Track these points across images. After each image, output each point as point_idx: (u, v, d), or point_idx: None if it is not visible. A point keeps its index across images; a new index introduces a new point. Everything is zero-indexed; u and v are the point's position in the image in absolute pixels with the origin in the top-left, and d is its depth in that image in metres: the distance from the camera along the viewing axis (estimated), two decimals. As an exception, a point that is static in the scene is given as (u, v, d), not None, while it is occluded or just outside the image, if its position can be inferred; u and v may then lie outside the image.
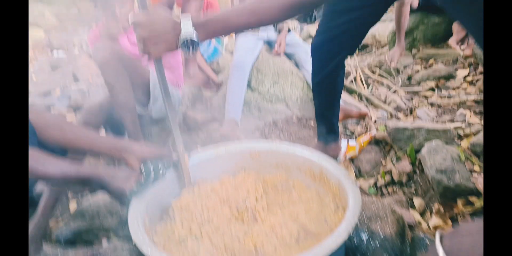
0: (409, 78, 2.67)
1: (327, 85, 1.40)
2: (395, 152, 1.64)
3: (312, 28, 4.48)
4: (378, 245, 1.00)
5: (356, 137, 1.88)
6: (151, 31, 0.78)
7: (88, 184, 0.87)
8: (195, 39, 0.80)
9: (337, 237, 0.74)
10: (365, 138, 1.74)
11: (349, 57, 1.53)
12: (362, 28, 1.31)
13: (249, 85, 2.08)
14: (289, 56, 2.31)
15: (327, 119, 1.51)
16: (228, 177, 1.07)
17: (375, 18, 1.31)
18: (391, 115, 2.12)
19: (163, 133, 1.99)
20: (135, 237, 0.75)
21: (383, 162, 1.62)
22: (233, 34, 4.30)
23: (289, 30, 2.30)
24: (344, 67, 1.41)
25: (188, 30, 0.78)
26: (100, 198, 1.35)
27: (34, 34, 5.47)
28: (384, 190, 1.48)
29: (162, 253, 0.71)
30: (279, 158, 1.14)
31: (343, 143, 1.71)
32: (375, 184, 1.52)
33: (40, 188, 1.34)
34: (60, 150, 1.01)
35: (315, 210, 0.97)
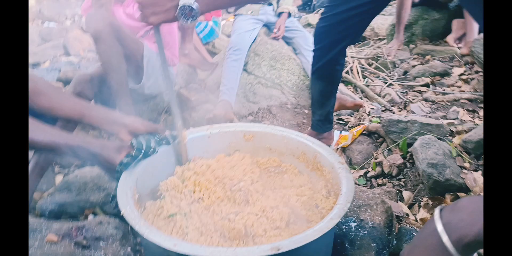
0: (405, 72, 2.67)
1: (326, 72, 1.38)
2: (387, 145, 1.65)
3: (311, 17, 4.43)
4: (366, 233, 1.00)
5: (349, 128, 1.87)
6: (155, 3, 0.81)
7: (77, 154, 0.84)
8: (194, 7, 0.80)
9: (329, 221, 0.74)
10: (358, 129, 1.74)
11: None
12: (367, 16, 1.29)
13: (245, 68, 2.05)
14: (287, 41, 2.27)
15: (323, 107, 1.50)
16: (223, 156, 1.05)
17: (381, 7, 1.28)
18: (385, 108, 2.12)
19: (155, 111, 1.95)
20: (124, 209, 0.73)
21: (375, 154, 1.63)
22: (232, 17, 4.22)
23: (289, 15, 2.25)
24: (345, 55, 1.39)
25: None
26: (87, 172, 1.32)
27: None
28: (374, 181, 1.49)
29: (150, 226, 0.69)
30: (273, 141, 1.13)
31: (336, 133, 1.70)
32: (365, 174, 1.53)
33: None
34: (50, 119, 0.97)
35: (307, 195, 0.96)
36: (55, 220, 1.17)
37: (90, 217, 1.20)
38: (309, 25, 3.98)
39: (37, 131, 0.79)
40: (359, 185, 1.46)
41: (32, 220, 1.11)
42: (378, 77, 2.62)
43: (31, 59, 3.40)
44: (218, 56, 2.65)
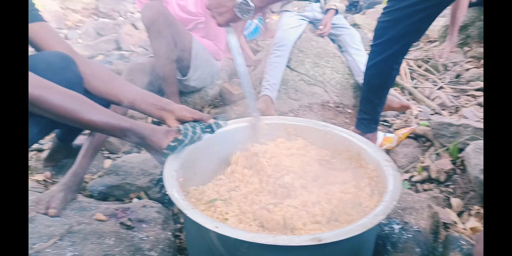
0: (458, 76, 2.51)
1: (382, 70, 1.32)
2: (436, 149, 1.56)
3: (358, 18, 4.31)
4: (410, 237, 0.96)
5: (394, 130, 1.80)
6: (218, 3, 0.93)
7: (128, 135, 0.88)
8: (249, 2, 0.87)
9: (374, 217, 0.71)
10: (404, 131, 1.66)
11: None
12: (432, 13, 1.20)
13: (288, 65, 2.03)
14: (333, 38, 2.23)
15: (371, 106, 1.44)
16: (283, 141, 1.04)
17: (447, 3, 1.20)
18: (435, 112, 2.01)
19: (198, 104, 1.99)
20: (170, 190, 0.75)
21: (421, 157, 1.55)
22: (276, 16, 4.23)
23: (337, 12, 2.20)
24: (405, 54, 1.32)
25: None
26: (133, 158, 1.38)
27: (85, 1, 5.60)
28: (419, 186, 1.42)
29: (193, 208, 0.70)
30: (315, 136, 1.10)
31: (379, 134, 1.64)
32: (410, 179, 1.46)
33: (79, 142, 1.38)
34: (103, 103, 1.03)
35: (351, 192, 0.93)
36: (102, 201, 1.24)
37: (135, 200, 1.25)
38: (355, 25, 3.87)
39: (94, 111, 0.84)
40: (403, 188, 1.39)
41: (83, 199, 1.18)
42: (427, 79, 2.49)
43: (86, 52, 3.63)
44: (261, 53, 2.66)
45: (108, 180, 1.30)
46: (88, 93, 0.98)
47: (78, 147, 1.34)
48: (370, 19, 4.08)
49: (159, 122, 1.35)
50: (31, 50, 1.00)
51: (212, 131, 1.02)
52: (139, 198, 1.27)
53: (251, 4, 0.90)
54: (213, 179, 1.00)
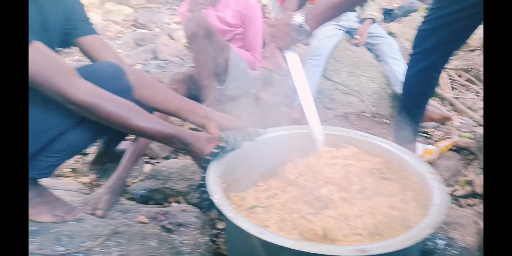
0: (503, 86, 2.39)
1: (422, 79, 1.30)
2: (480, 162, 1.49)
3: (392, 26, 4.23)
4: (456, 253, 0.91)
5: (434, 142, 1.74)
6: (278, 30, 1.03)
7: (172, 141, 0.92)
8: (303, 24, 0.98)
9: (421, 231, 0.69)
10: (446, 143, 1.60)
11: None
12: (474, 21, 1.17)
13: (323, 74, 2.03)
14: (370, 47, 2.20)
15: (410, 116, 1.41)
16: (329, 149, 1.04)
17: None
18: (478, 124, 1.92)
19: (233, 112, 2.03)
20: (214, 195, 0.77)
21: (464, 171, 1.48)
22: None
23: (373, 21, 2.18)
24: (445, 63, 1.29)
25: (299, 19, 0.99)
26: (173, 163, 1.42)
27: (125, 12, 5.91)
28: (462, 201, 1.35)
29: (236, 213, 0.72)
30: (355, 146, 1.09)
31: (418, 146, 1.59)
32: (453, 193, 1.40)
33: (122, 147, 1.45)
34: (148, 110, 1.08)
35: (398, 207, 0.90)
36: (143, 204, 1.29)
37: (174, 204, 1.29)
38: (390, 34, 3.80)
39: (143, 118, 0.88)
40: (444, 202, 1.34)
41: (125, 202, 1.24)
42: (469, 90, 2.39)
43: (126, 62, 3.80)
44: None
45: (148, 184, 1.35)
46: (135, 101, 1.03)
47: (121, 152, 1.40)
48: (405, 27, 3.99)
49: (195, 128, 1.39)
50: (86, 60, 1.07)
51: (252, 139, 1.04)
52: (178, 202, 1.31)
53: (307, 27, 0.98)
54: (252, 186, 1.01)
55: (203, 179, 0.93)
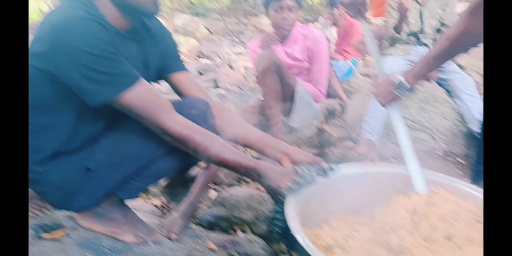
0: None
1: None
2: None
3: (461, 58, 4.04)
4: None
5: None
6: (380, 89, 1.15)
7: (250, 173, 0.95)
8: (402, 81, 1.09)
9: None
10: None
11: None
12: None
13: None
14: (441, 82, 2.12)
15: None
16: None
17: None
18: None
19: (295, 143, 2.05)
20: (294, 230, 0.77)
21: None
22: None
23: (445, 56, 2.12)
24: None
25: (398, 78, 1.09)
26: (239, 192, 1.46)
27: (191, 44, 6.40)
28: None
29: (318, 250, 0.71)
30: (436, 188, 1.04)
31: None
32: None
33: (195, 172, 1.53)
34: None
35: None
36: (210, 230, 1.32)
37: (240, 233, 1.31)
38: (459, 67, 3.64)
39: (227, 150, 0.94)
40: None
41: (194, 227, 1.29)
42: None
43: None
44: (357, 94, 2.66)
45: (216, 211, 1.39)
46: (216, 132, 1.10)
47: (192, 177, 1.48)
48: (474, 59, 3.80)
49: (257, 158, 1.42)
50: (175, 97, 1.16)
51: (326, 175, 1.04)
52: (243, 231, 1.33)
53: (406, 84, 1.08)
54: (323, 223, 1.00)
55: (276, 211, 0.94)
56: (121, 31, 0.92)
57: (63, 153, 0.93)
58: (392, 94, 1.11)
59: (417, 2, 2.22)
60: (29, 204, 1.06)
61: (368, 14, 2.70)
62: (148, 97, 0.88)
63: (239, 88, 4.20)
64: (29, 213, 1.07)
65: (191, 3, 10.41)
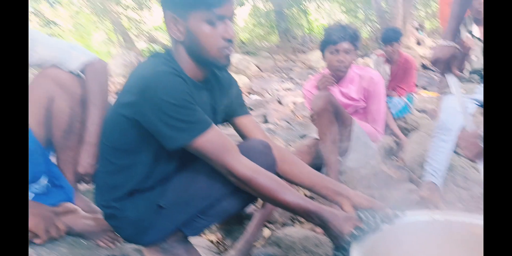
0: None
1: None
2: None
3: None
4: None
5: None
6: (466, 142, 1.25)
7: (311, 217, 0.95)
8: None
9: None
10: None
11: None
12: None
13: (456, 150, 1.88)
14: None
15: None
16: None
17: None
18: None
19: (350, 182, 2.00)
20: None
21: None
22: (434, 93, 4.14)
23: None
24: None
25: None
26: (294, 232, 1.44)
27: (242, 81, 6.71)
28: None
29: None
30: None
31: None
32: None
33: (249, 210, 1.55)
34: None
35: None
36: (265, 271, 1.31)
37: (296, 277, 1.28)
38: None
39: (289, 193, 0.96)
40: None
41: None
42: None
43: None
44: (417, 132, 2.56)
45: (271, 250, 1.38)
46: (276, 174, 1.13)
47: (247, 214, 1.49)
48: None
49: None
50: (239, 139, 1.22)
51: (390, 222, 1.00)
52: (299, 276, 1.29)
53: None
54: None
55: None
56: (196, 81, 1.03)
57: (138, 191, 1.02)
58: (479, 148, 1.12)
59: (479, 39, 2.16)
60: (103, 236, 1.15)
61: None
62: (218, 140, 0.95)
63: (288, 122, 4.26)
64: (102, 245, 1.15)
65: (242, 42, 11.07)
